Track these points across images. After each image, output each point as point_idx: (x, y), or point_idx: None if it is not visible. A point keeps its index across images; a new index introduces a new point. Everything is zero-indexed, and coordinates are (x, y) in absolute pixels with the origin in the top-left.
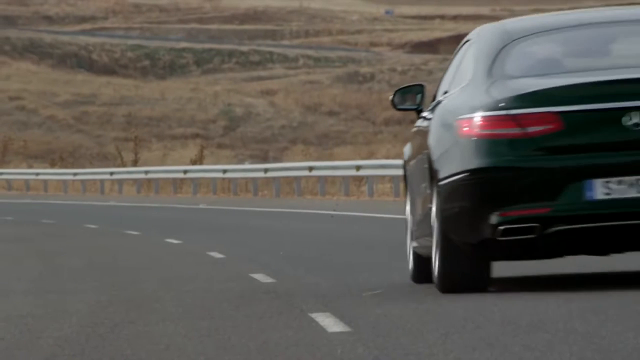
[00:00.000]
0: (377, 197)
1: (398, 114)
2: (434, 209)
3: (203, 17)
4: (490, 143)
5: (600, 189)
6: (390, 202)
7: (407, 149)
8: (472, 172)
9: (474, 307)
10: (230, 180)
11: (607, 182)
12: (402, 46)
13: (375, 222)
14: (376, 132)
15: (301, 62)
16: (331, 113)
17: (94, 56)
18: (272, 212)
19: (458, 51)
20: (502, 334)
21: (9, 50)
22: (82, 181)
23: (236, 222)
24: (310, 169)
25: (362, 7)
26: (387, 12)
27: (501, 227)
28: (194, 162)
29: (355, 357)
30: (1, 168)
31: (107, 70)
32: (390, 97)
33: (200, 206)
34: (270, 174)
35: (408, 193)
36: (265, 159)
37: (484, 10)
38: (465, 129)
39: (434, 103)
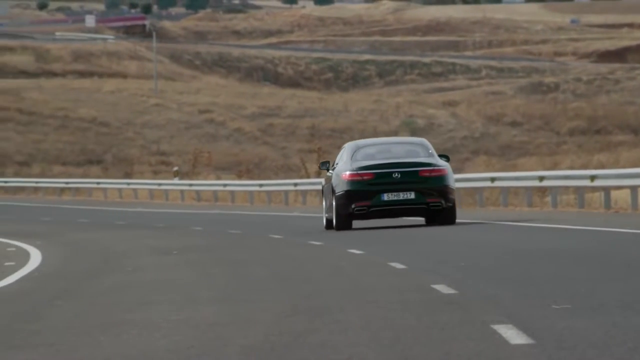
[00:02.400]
0: (561, 208)
1: (583, 124)
2: (334, 203)
3: (386, 29)
4: (351, 181)
5: (386, 196)
6: (574, 213)
7: (323, 181)
8: (346, 191)
9: None
10: None
11: (387, 194)
12: (588, 55)
13: (559, 234)
14: (560, 143)
15: (484, 72)
16: (514, 124)
17: (280, 69)
18: None
19: (342, 151)
20: None
21: (200, 64)
22: (267, 192)
23: (417, 233)
24: (493, 179)
25: (547, 17)
26: (572, 21)
27: (355, 209)
28: None
29: None
30: (191, 180)
31: (292, 82)
32: (320, 163)
33: None
34: None
35: (324, 198)
36: None
37: None
38: (344, 176)
39: (333, 167)
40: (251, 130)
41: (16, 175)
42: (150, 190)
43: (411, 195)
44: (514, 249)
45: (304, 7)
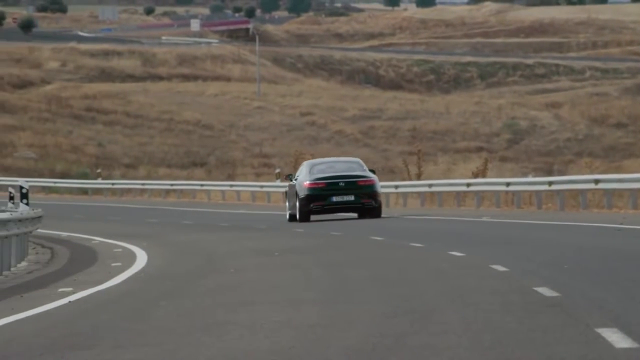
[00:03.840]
0: None
1: None
2: (297, 203)
3: (488, 31)
4: (310, 188)
5: (334, 199)
6: None
7: (287, 187)
8: (306, 195)
9: None
10: (513, 193)
11: (335, 197)
12: None
13: None
14: None
15: (588, 74)
16: (619, 125)
17: (381, 71)
18: (556, 225)
19: (301, 167)
20: None
21: (302, 67)
22: None
23: (519, 235)
24: (597, 181)
25: None
26: None
27: (313, 207)
28: (477, 175)
29: None
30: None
31: (394, 85)
32: (286, 175)
33: (483, 219)
34: (554, 187)
35: (287, 200)
36: (549, 172)
37: None
38: (305, 184)
39: (295, 178)
40: (352, 132)
41: (123, 177)
42: (253, 192)
43: (351, 198)
44: (619, 252)
45: (405, 9)
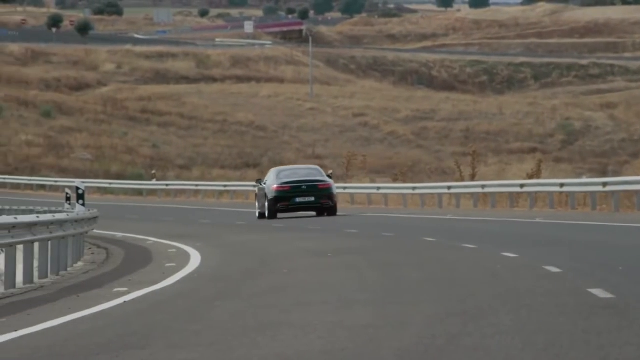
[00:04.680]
0: None
1: None
2: (266, 203)
3: (542, 31)
4: (278, 191)
5: (298, 199)
6: None
7: (256, 189)
8: (274, 197)
9: None
10: (567, 194)
11: (299, 198)
12: None
13: None
14: None
15: None
16: None
17: (434, 72)
18: (610, 227)
19: (269, 173)
20: None
21: (355, 69)
22: (421, 195)
23: (573, 236)
24: None
25: None
26: None
27: (279, 207)
28: (530, 176)
29: None
30: (345, 183)
31: (446, 86)
32: (256, 180)
33: (537, 220)
34: (609, 188)
35: (257, 200)
36: (604, 173)
37: None
38: (273, 187)
39: (263, 182)
40: (405, 133)
41: (177, 178)
42: None
43: (312, 199)
44: None
45: (459, 10)
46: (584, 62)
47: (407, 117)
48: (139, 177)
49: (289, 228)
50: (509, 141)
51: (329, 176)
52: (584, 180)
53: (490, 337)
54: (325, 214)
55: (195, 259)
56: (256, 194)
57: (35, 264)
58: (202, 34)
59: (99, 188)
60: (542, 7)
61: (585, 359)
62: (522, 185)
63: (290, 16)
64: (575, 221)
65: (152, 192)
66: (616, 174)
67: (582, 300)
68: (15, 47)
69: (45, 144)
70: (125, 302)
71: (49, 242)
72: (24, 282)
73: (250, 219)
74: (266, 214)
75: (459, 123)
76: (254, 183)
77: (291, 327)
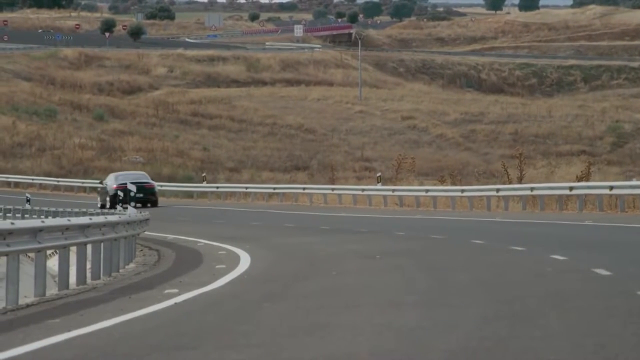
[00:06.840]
0: None
1: None
2: (107, 198)
3: (592, 34)
4: (117, 189)
5: (131, 195)
6: None
7: (99, 188)
8: (114, 193)
9: None
10: (617, 196)
11: (131, 194)
12: None
13: None
14: None
15: None
16: None
17: (483, 75)
18: None
19: (109, 176)
20: None
21: (403, 71)
22: (469, 198)
23: (623, 239)
24: None
25: None
26: None
27: (118, 200)
28: (579, 179)
29: None
30: (394, 185)
31: (495, 88)
32: (100, 181)
33: (586, 223)
34: None
35: (99, 196)
36: None
37: None
38: (114, 187)
39: (105, 183)
40: (453, 136)
41: (227, 181)
42: (354, 196)
43: (141, 195)
44: None
45: (508, 13)
46: (635, 64)
47: (455, 119)
48: (190, 180)
49: (337, 230)
50: (557, 144)
51: (153, 180)
52: (634, 182)
53: (538, 339)
54: (149, 205)
55: (245, 260)
56: (98, 191)
57: (88, 265)
58: (252, 37)
59: None
60: (592, 10)
61: None
62: (571, 188)
63: (339, 20)
64: (624, 224)
65: (202, 195)
66: None
67: (631, 302)
68: (69, 52)
69: (98, 147)
70: (176, 303)
71: (102, 244)
72: (77, 283)
73: (299, 221)
74: (107, 206)
75: (507, 126)
76: (100, 185)
77: (340, 328)
